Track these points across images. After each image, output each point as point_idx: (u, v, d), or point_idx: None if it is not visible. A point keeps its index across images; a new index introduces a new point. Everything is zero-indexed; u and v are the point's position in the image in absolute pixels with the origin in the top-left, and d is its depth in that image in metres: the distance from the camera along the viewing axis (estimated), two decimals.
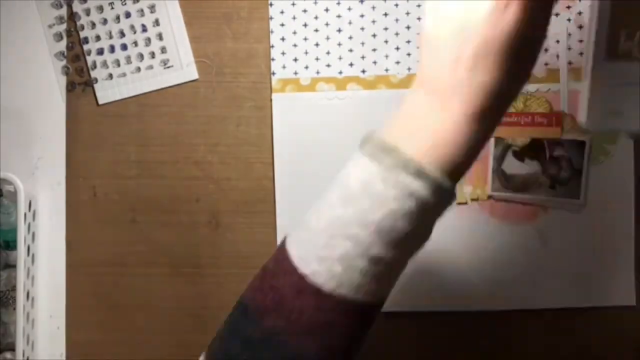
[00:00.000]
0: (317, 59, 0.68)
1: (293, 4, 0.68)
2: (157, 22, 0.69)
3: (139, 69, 0.69)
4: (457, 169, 0.42)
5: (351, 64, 0.68)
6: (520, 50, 0.42)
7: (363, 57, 0.68)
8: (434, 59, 0.43)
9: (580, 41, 0.67)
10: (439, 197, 0.41)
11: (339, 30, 0.68)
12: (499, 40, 0.41)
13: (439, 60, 0.43)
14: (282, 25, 0.68)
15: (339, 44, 0.68)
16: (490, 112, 0.42)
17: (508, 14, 0.40)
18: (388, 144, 0.42)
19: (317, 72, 0.68)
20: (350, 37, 0.68)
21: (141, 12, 0.69)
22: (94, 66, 0.69)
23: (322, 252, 0.42)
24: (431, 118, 0.42)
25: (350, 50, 0.68)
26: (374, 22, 0.68)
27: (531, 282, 0.66)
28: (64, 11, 0.70)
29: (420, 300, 0.66)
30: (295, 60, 0.68)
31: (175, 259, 0.69)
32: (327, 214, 0.42)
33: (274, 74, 0.68)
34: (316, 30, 0.68)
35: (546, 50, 0.67)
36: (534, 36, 0.43)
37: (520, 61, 0.42)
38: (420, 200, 0.40)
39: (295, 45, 0.68)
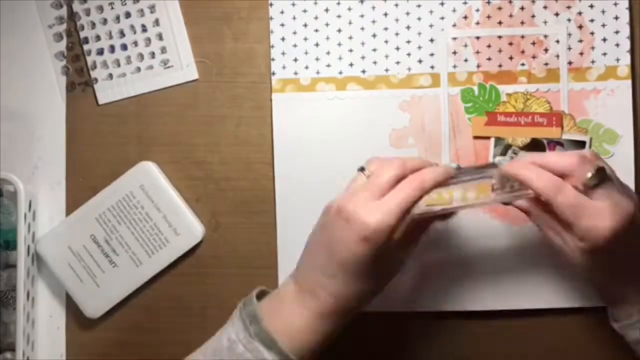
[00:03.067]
0: (317, 59, 0.68)
1: (293, 4, 0.68)
2: (157, 22, 0.69)
3: (139, 69, 0.69)
4: (306, 351, 0.52)
5: (351, 64, 0.68)
6: (376, 273, 0.52)
7: (363, 57, 0.68)
8: (308, 260, 0.54)
9: (580, 41, 0.67)
10: None
11: (339, 30, 0.68)
12: (356, 263, 0.51)
13: (311, 263, 0.54)
14: (282, 25, 0.68)
15: (339, 44, 0.68)
16: (342, 314, 0.53)
17: (363, 246, 0.50)
18: (258, 315, 0.52)
19: (317, 72, 0.68)
20: (350, 37, 0.68)
21: (141, 12, 0.69)
22: (94, 66, 0.69)
23: None
24: (293, 309, 0.53)
25: (350, 50, 0.68)
26: (374, 22, 0.68)
27: (531, 282, 0.66)
28: (64, 11, 0.70)
29: (420, 300, 0.66)
30: (295, 60, 0.68)
31: (175, 258, 0.68)
32: None
33: (274, 74, 0.68)
34: (316, 30, 0.68)
35: (546, 50, 0.67)
36: (389, 261, 0.53)
37: (375, 279, 0.53)
38: None
39: (295, 45, 0.68)
